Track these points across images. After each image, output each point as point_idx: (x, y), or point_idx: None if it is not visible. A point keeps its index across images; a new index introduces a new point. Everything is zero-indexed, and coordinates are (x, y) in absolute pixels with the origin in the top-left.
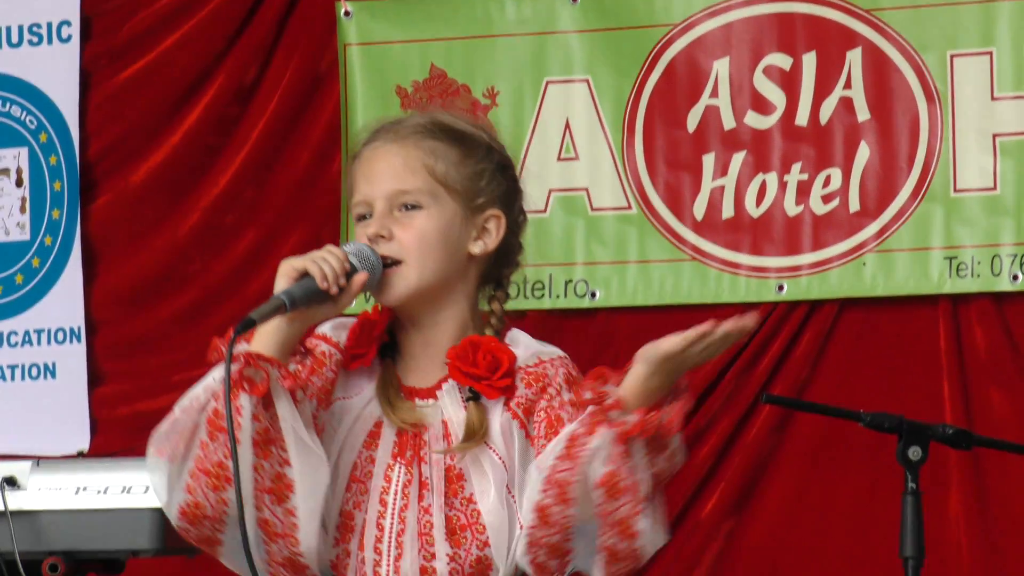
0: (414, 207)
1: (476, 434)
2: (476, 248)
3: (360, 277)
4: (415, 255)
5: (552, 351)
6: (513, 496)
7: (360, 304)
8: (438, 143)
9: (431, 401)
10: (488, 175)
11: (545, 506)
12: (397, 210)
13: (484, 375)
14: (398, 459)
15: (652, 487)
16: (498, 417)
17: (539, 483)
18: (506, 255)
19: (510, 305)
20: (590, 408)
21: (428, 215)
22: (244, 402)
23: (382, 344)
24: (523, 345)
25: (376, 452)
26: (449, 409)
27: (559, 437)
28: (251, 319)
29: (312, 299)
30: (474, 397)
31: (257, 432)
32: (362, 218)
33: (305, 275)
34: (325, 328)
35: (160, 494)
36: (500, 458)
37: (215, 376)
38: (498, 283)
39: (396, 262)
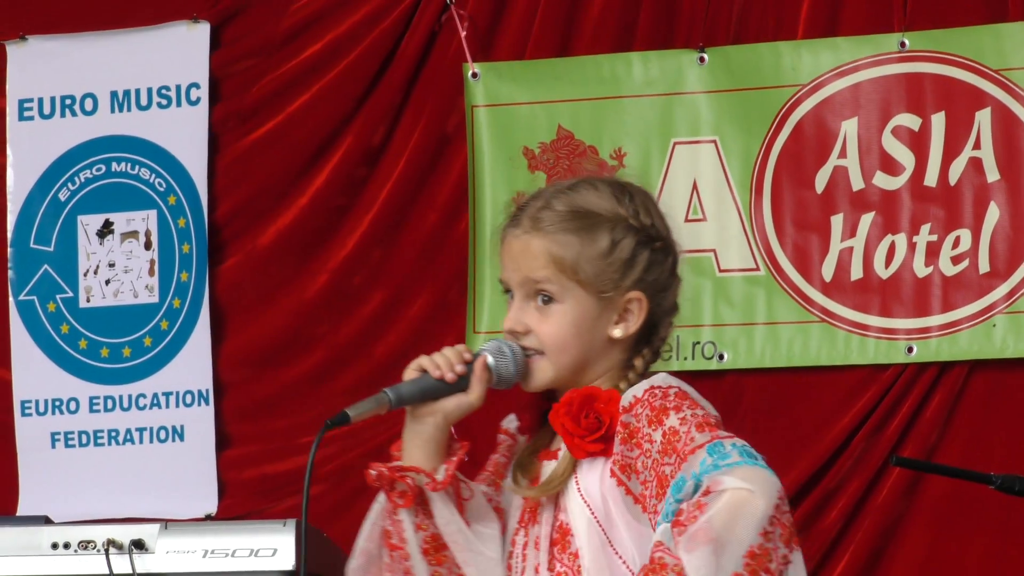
0: (549, 300)
1: (553, 482)
2: (617, 332)
3: (480, 362)
4: (551, 350)
5: (643, 384)
6: (617, 552)
7: None
8: (568, 235)
9: (554, 462)
10: (625, 259)
11: None
12: (533, 300)
13: (579, 432)
14: (520, 524)
15: None
16: (599, 475)
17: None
18: (655, 326)
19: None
20: None
21: (562, 310)
22: (403, 516)
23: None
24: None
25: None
26: None
27: None
28: (346, 414)
29: (433, 392)
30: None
31: (425, 541)
32: (508, 292)
33: (424, 371)
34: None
35: None
36: (594, 516)
37: (380, 500)
38: (649, 344)
39: (537, 352)
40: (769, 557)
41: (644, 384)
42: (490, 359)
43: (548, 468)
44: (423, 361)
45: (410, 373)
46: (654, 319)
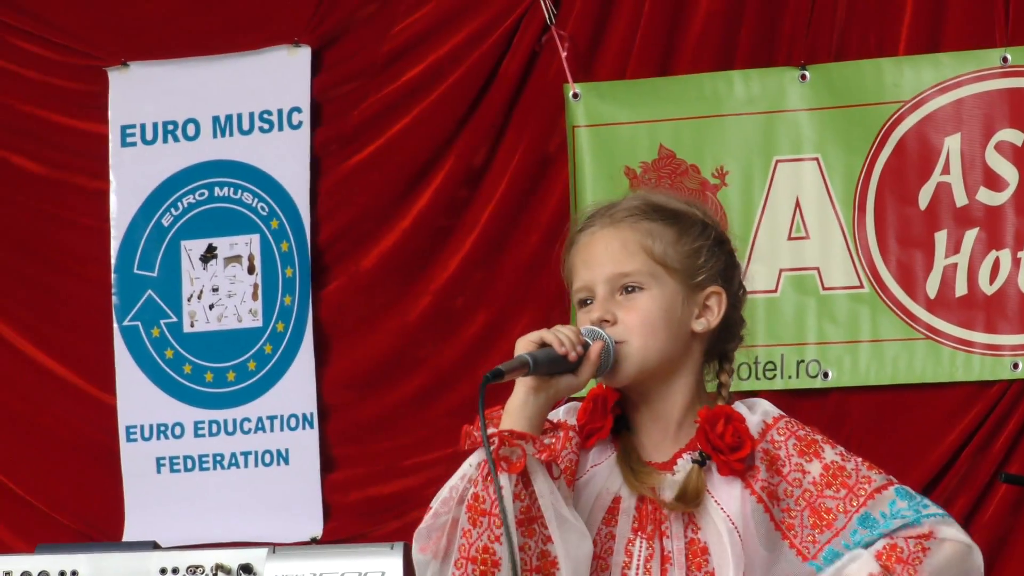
0: (635, 288)
1: (692, 496)
2: (699, 326)
3: (597, 345)
4: (639, 336)
5: (771, 410)
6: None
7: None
8: (653, 224)
9: (668, 476)
10: (706, 252)
11: None
12: (619, 293)
13: (724, 449)
14: (639, 533)
15: None
16: (738, 495)
17: None
18: (729, 329)
19: (743, 386)
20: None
21: (650, 296)
22: (504, 482)
23: (615, 418)
24: (755, 410)
25: (616, 528)
26: None
27: None
28: (500, 370)
29: (553, 366)
30: (701, 462)
31: (520, 511)
32: (583, 303)
33: (543, 345)
34: (558, 414)
35: None
36: (739, 534)
37: (471, 462)
38: (723, 357)
39: (620, 342)
40: None
41: (765, 411)
42: (601, 344)
43: (667, 479)
44: (546, 335)
45: (526, 344)
46: (728, 322)
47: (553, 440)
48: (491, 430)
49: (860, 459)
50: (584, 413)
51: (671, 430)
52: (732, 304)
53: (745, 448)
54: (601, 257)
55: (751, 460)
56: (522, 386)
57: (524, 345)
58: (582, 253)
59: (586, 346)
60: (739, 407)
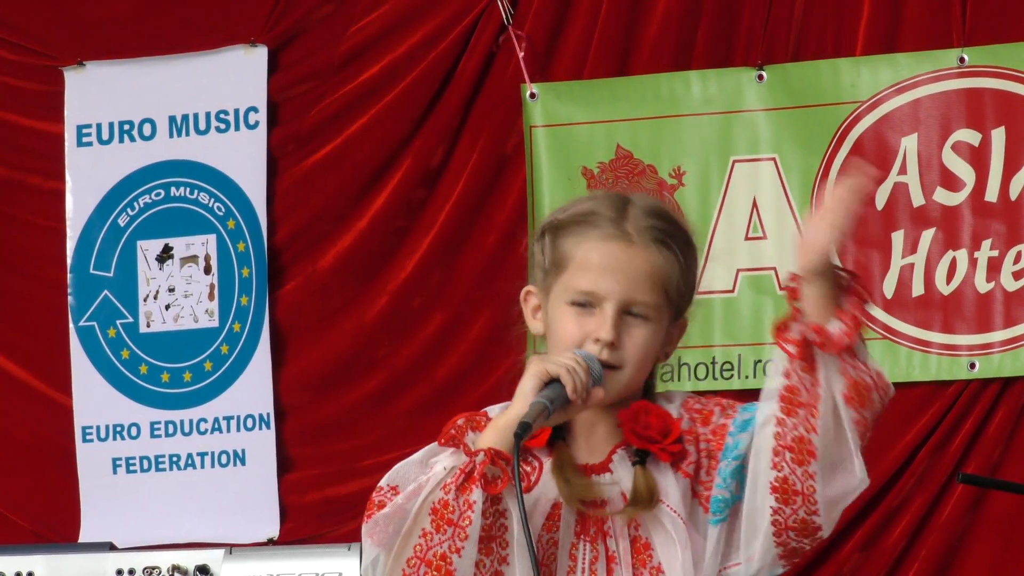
0: (641, 317)
1: (646, 498)
2: (663, 356)
3: (597, 393)
4: (632, 368)
5: (682, 394)
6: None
7: None
8: (672, 252)
9: (607, 476)
10: (696, 281)
11: (782, 478)
12: (625, 314)
13: (656, 438)
14: (582, 537)
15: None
16: (674, 481)
17: (768, 458)
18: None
19: (701, 386)
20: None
21: (652, 331)
22: (477, 497)
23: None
24: (675, 400)
25: (557, 534)
26: (625, 480)
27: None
28: (528, 423)
29: (560, 408)
30: (640, 460)
31: (483, 528)
32: (578, 304)
33: (554, 381)
34: (494, 411)
35: None
36: (683, 520)
37: (444, 465)
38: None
39: (614, 367)
40: None
41: (679, 396)
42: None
43: (605, 480)
44: (564, 376)
45: (539, 372)
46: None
47: (530, 470)
48: (472, 435)
49: (730, 404)
50: None
51: (605, 432)
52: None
53: (675, 430)
54: (623, 275)
55: (681, 441)
56: (515, 413)
57: (537, 372)
58: (604, 257)
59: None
60: (659, 401)
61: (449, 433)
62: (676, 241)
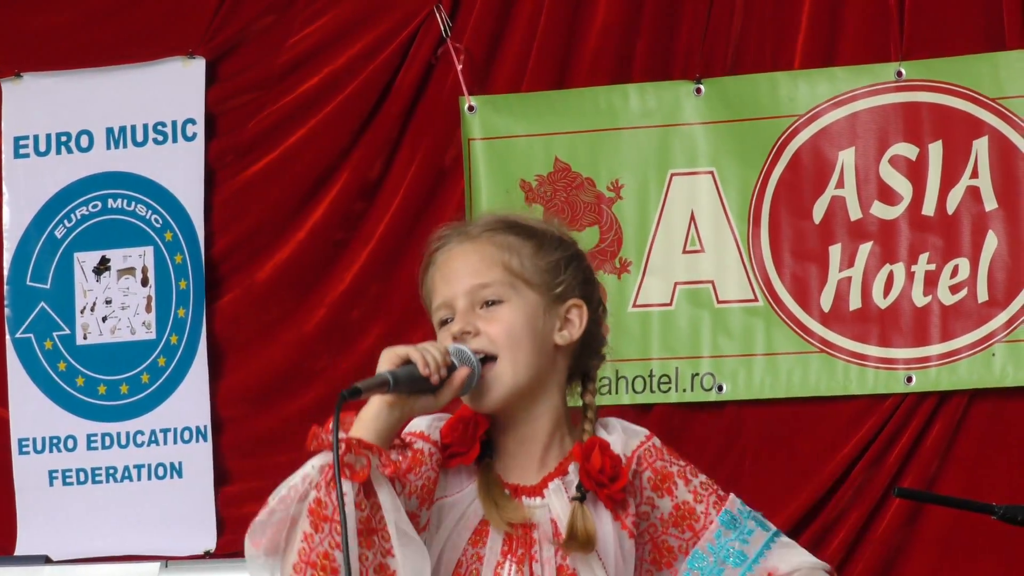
0: (495, 302)
1: (583, 541)
2: (561, 339)
3: (462, 372)
4: (506, 348)
5: (638, 434)
6: None
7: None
8: (510, 238)
9: (538, 500)
10: (564, 265)
11: None
12: (479, 307)
13: (605, 482)
14: (508, 556)
15: None
16: (606, 524)
17: None
18: (590, 346)
19: (638, 399)
20: None
21: (511, 308)
22: (347, 489)
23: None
24: (616, 433)
25: (483, 549)
26: (557, 508)
27: None
28: (357, 388)
29: (414, 385)
30: (580, 498)
31: (360, 521)
32: (444, 323)
33: (407, 362)
34: (420, 425)
35: None
36: (604, 565)
37: (313, 464)
38: (586, 376)
39: (491, 357)
40: None
41: (627, 431)
42: (467, 372)
43: (534, 506)
44: (412, 353)
45: (390, 357)
46: (590, 337)
47: (400, 459)
48: (341, 434)
49: (707, 487)
50: (449, 431)
51: (538, 453)
52: (593, 320)
53: (623, 478)
54: (459, 271)
55: (629, 489)
56: (377, 399)
57: (389, 358)
58: (441, 270)
59: (451, 368)
60: (600, 433)
61: (320, 438)
62: (516, 230)
